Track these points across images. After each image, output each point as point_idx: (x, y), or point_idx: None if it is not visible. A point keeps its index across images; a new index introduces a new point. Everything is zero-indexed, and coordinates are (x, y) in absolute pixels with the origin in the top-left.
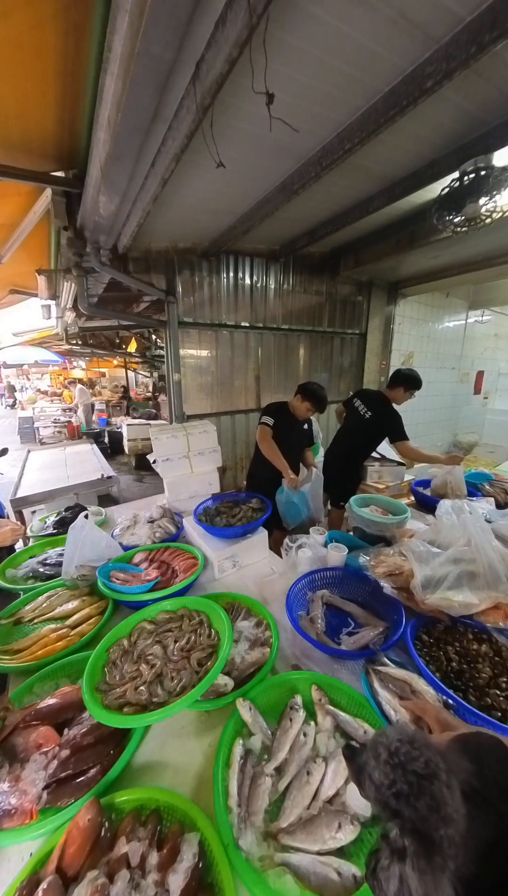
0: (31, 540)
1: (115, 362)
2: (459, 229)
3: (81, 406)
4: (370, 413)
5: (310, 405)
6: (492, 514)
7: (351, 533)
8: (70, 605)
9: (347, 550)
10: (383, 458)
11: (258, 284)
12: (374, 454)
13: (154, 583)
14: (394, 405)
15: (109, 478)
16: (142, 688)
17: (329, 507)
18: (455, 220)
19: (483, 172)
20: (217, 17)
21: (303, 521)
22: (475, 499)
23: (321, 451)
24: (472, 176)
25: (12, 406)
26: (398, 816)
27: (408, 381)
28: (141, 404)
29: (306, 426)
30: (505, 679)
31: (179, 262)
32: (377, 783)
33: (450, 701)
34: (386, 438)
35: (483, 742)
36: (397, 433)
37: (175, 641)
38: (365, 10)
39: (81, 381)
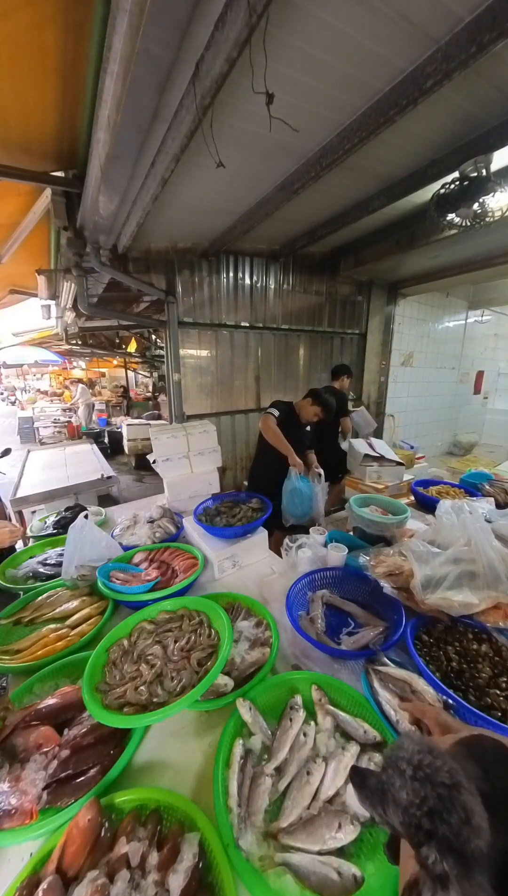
0: (30, 540)
1: (115, 362)
2: (463, 222)
3: (81, 405)
4: None
5: (319, 411)
6: (492, 514)
7: (351, 533)
8: (70, 605)
9: (347, 550)
10: (382, 458)
11: (258, 284)
12: (373, 454)
13: (154, 583)
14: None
15: (109, 478)
16: (142, 688)
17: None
18: (455, 219)
19: (483, 172)
20: (217, 17)
21: (307, 514)
22: (475, 499)
23: None
24: (473, 176)
25: (13, 403)
26: (432, 837)
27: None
28: (141, 404)
29: (308, 428)
30: (505, 679)
31: (179, 262)
32: (405, 804)
33: (450, 701)
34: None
35: (487, 746)
36: None
37: (175, 641)
38: (365, 10)
39: (80, 381)
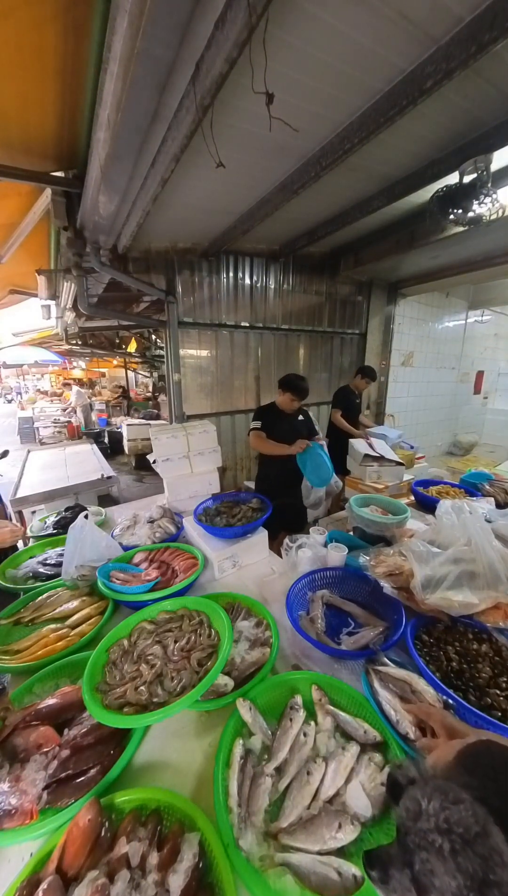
0: (31, 540)
1: (115, 362)
2: (464, 218)
3: (79, 408)
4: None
5: (291, 395)
6: (492, 514)
7: (351, 533)
8: (70, 606)
9: (347, 550)
10: (382, 458)
11: (258, 284)
12: (373, 454)
13: (154, 583)
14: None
15: (109, 478)
16: (142, 688)
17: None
18: (456, 217)
19: (483, 172)
20: (217, 17)
21: (329, 478)
22: (475, 499)
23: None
24: (472, 176)
25: (9, 401)
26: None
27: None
28: (141, 404)
29: (300, 417)
30: (505, 679)
31: (179, 262)
32: (452, 891)
33: (450, 701)
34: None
35: (496, 752)
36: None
37: (175, 641)
38: (365, 10)
39: (80, 381)
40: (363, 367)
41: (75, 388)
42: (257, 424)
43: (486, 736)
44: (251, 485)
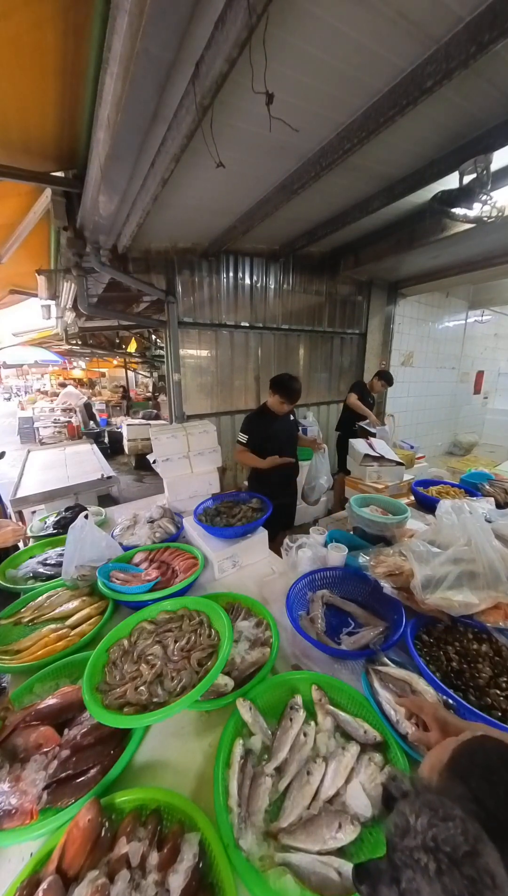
0: (31, 540)
1: (115, 362)
2: (465, 215)
3: (76, 408)
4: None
5: (279, 397)
6: (492, 513)
7: (351, 533)
8: (70, 606)
9: (347, 550)
10: (382, 458)
11: (258, 284)
12: (373, 454)
13: (154, 583)
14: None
15: (109, 478)
16: (142, 688)
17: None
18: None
19: (483, 172)
20: (217, 17)
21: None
22: (475, 499)
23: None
24: (472, 176)
25: (7, 399)
26: None
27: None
28: (141, 404)
29: (291, 417)
30: (505, 679)
31: (179, 262)
32: None
33: (450, 701)
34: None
35: (489, 748)
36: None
37: (175, 641)
38: (365, 10)
39: (80, 380)
40: (381, 372)
41: (69, 387)
42: (244, 439)
43: (480, 730)
44: None
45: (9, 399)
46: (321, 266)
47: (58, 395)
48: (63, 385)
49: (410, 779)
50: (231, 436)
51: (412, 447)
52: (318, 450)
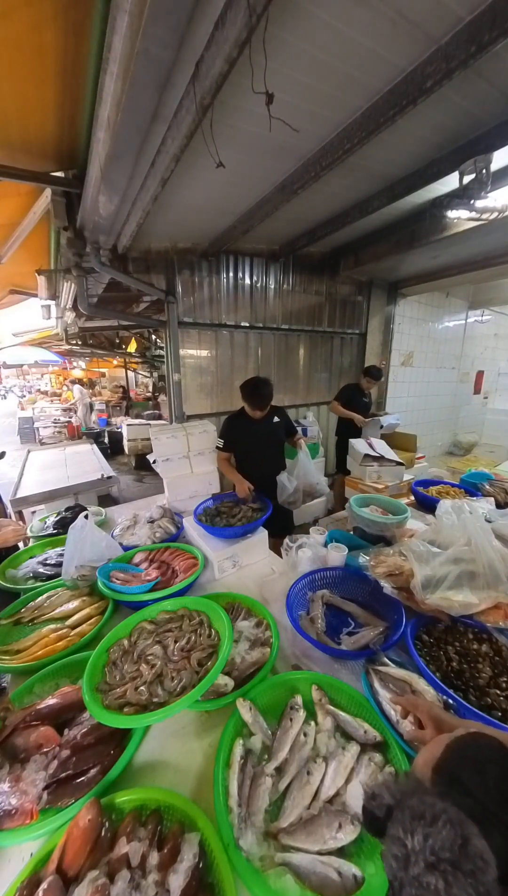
0: (31, 540)
1: (115, 362)
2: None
3: (79, 406)
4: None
5: (248, 405)
6: (492, 513)
7: (351, 533)
8: (70, 606)
9: (347, 550)
10: (382, 458)
11: (258, 284)
12: (373, 453)
13: (154, 583)
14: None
15: (109, 478)
16: (142, 688)
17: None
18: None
19: (482, 172)
20: (217, 17)
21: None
22: (475, 499)
23: (322, 451)
24: (472, 176)
25: (4, 398)
26: None
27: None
28: (141, 404)
29: (275, 419)
30: (505, 679)
31: (179, 262)
32: None
33: (450, 701)
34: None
35: (482, 745)
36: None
37: (175, 641)
38: (365, 10)
39: (81, 380)
40: (367, 367)
41: (77, 385)
42: (221, 444)
43: (474, 727)
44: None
45: (4, 398)
46: (321, 266)
47: (59, 395)
48: (74, 383)
49: (388, 789)
50: None
51: (396, 419)
52: (298, 447)
